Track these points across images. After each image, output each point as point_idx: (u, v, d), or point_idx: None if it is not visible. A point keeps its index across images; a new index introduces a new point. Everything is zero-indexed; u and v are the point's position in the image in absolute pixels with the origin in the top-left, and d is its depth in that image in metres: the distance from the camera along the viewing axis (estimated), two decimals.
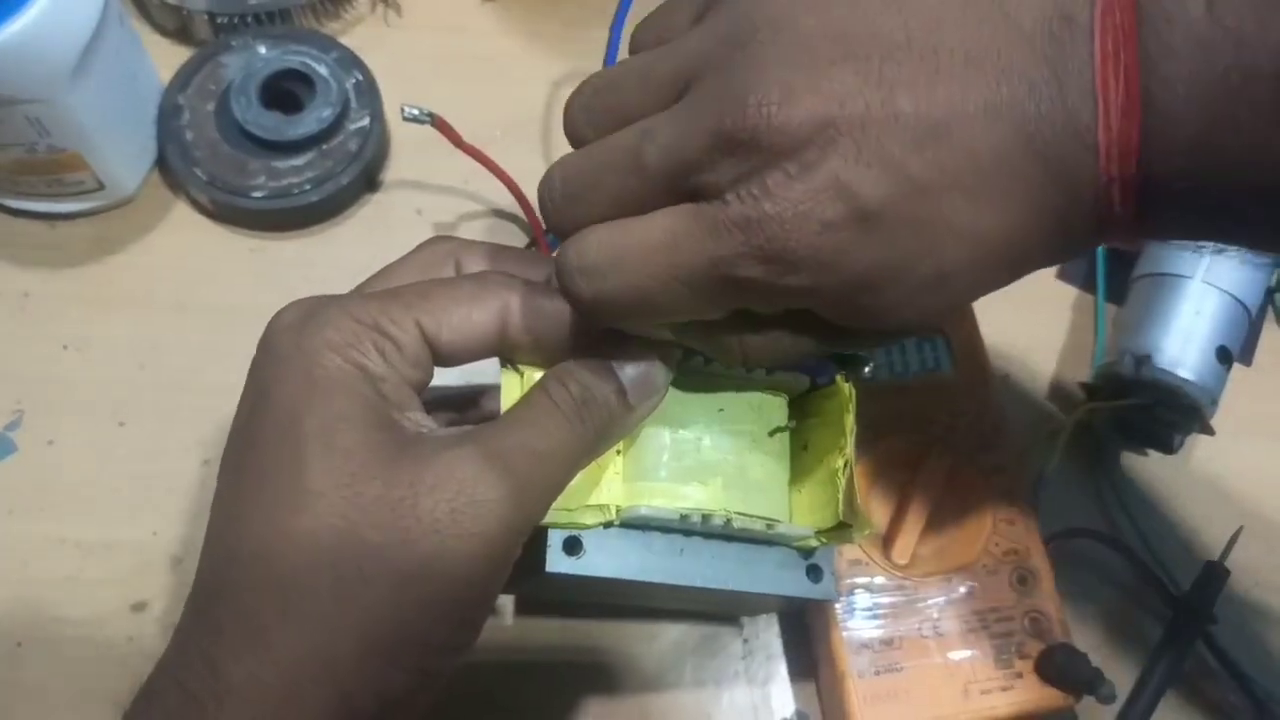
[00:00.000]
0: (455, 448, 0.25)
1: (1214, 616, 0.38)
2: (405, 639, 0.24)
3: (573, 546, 0.28)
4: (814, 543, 0.31)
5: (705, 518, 0.29)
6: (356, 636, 0.23)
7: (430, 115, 0.40)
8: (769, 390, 0.32)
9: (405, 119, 0.40)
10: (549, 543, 0.28)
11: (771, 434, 0.31)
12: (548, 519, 0.28)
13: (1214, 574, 0.39)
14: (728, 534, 0.30)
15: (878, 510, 0.39)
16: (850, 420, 0.31)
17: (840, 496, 0.30)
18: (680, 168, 0.23)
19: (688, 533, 0.30)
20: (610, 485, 0.30)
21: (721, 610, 0.40)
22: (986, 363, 0.41)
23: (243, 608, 0.23)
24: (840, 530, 0.30)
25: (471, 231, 0.45)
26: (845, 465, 0.30)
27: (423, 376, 0.27)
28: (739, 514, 0.30)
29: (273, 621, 0.23)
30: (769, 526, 0.30)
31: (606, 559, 0.28)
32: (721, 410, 0.31)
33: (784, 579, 0.31)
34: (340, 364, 0.25)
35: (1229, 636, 0.40)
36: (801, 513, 0.31)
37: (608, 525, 0.29)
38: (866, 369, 0.30)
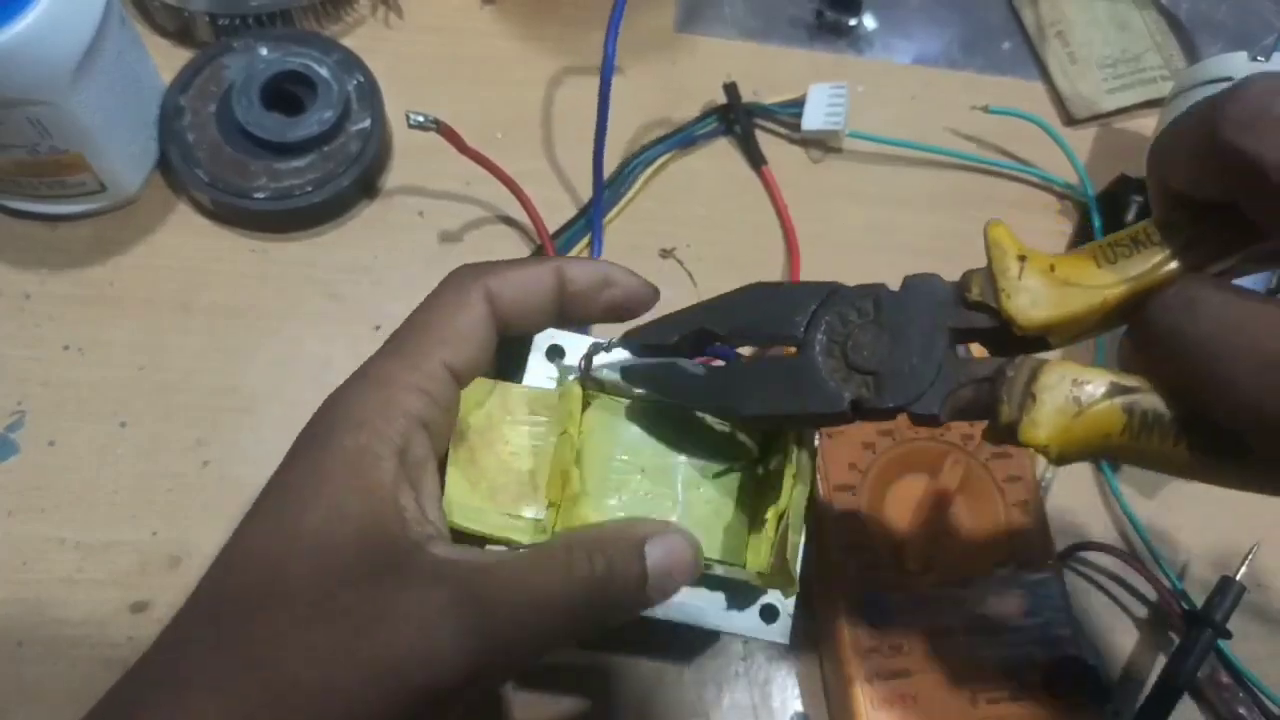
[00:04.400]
0: (438, 585, 0.24)
1: (1228, 632, 0.38)
2: None
3: None
4: (758, 584, 0.30)
5: None
6: None
7: (436, 121, 0.40)
8: (736, 428, 0.31)
9: (410, 126, 0.40)
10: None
11: (719, 475, 0.31)
12: (478, 527, 0.28)
13: (1229, 589, 0.39)
14: None
15: (893, 515, 0.39)
16: (794, 467, 0.29)
17: (769, 547, 0.29)
18: None
19: None
20: (563, 503, 0.29)
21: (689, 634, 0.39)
22: None
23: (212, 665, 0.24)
24: (779, 577, 0.29)
25: (474, 233, 0.45)
26: (780, 516, 0.29)
27: (451, 420, 0.28)
28: None
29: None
30: (707, 566, 0.29)
31: None
32: (673, 443, 0.31)
33: (735, 617, 0.30)
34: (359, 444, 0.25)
35: (1237, 647, 0.39)
36: (754, 555, 0.30)
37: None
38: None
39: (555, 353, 0.32)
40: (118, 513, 0.39)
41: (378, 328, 0.43)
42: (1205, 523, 0.43)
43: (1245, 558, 0.39)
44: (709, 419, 0.31)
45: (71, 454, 0.39)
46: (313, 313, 0.43)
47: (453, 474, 0.29)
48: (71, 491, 0.39)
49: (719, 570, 0.29)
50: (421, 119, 0.40)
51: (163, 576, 0.38)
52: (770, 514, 0.29)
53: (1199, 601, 0.39)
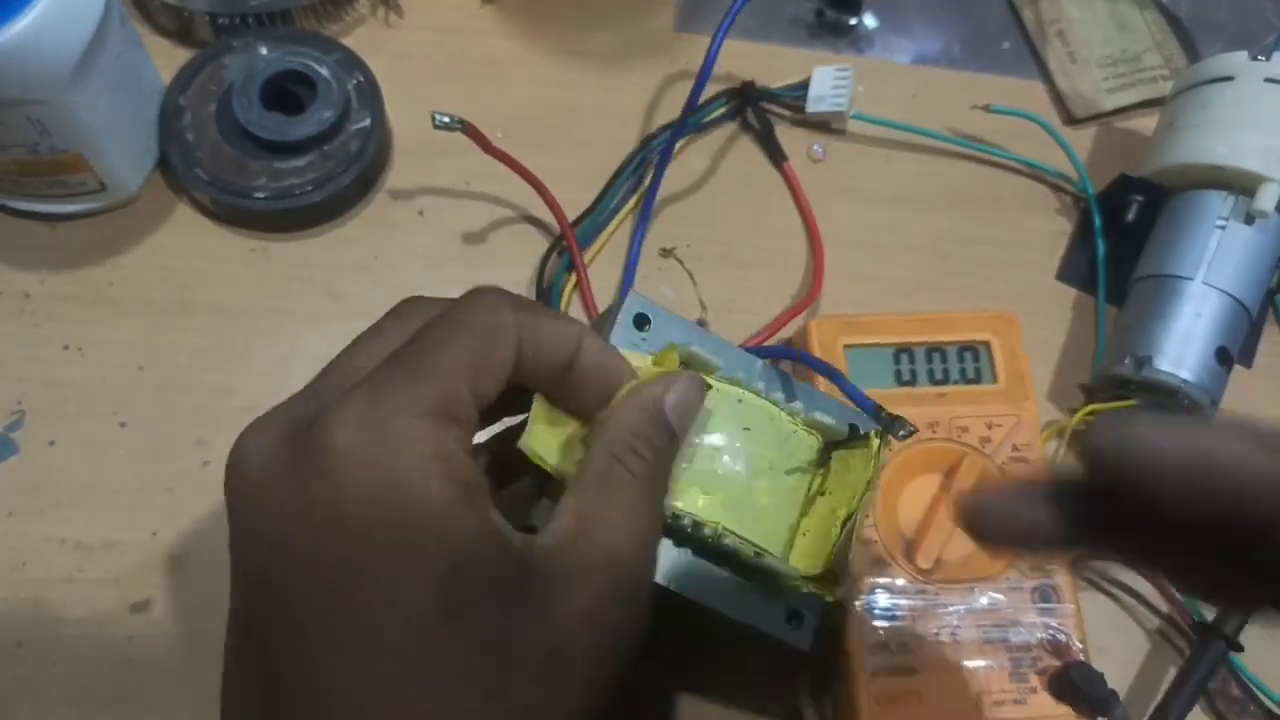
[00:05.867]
0: (582, 575, 0.24)
1: (1240, 644, 0.38)
2: None
3: None
4: (800, 585, 0.30)
5: (696, 525, 0.29)
6: None
7: (461, 121, 0.41)
8: (804, 428, 0.32)
9: (436, 126, 0.40)
10: (540, 505, 0.28)
11: (790, 471, 0.31)
12: (548, 460, 0.27)
13: None
14: (717, 549, 0.30)
15: (907, 513, 0.39)
16: (870, 475, 0.30)
17: (833, 545, 0.30)
18: None
19: (681, 540, 0.30)
20: None
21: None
22: (1028, 376, 0.41)
23: None
24: (824, 581, 0.30)
25: (474, 232, 0.45)
26: (849, 517, 0.30)
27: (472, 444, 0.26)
28: (731, 532, 0.29)
29: None
30: (757, 554, 0.29)
31: None
32: (747, 430, 0.31)
33: (764, 614, 0.30)
34: (444, 494, 0.22)
35: (1248, 660, 0.39)
36: (800, 556, 0.31)
37: None
38: (902, 432, 0.30)
39: (642, 321, 0.31)
40: (118, 513, 0.39)
41: None
42: None
43: None
44: (783, 417, 0.32)
45: (71, 454, 0.39)
46: (313, 313, 0.43)
47: (539, 407, 0.28)
48: (71, 491, 0.39)
49: (770, 562, 0.30)
50: (448, 119, 0.40)
51: (163, 576, 0.38)
52: (839, 514, 0.30)
53: (1210, 613, 0.39)
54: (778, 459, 0.31)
